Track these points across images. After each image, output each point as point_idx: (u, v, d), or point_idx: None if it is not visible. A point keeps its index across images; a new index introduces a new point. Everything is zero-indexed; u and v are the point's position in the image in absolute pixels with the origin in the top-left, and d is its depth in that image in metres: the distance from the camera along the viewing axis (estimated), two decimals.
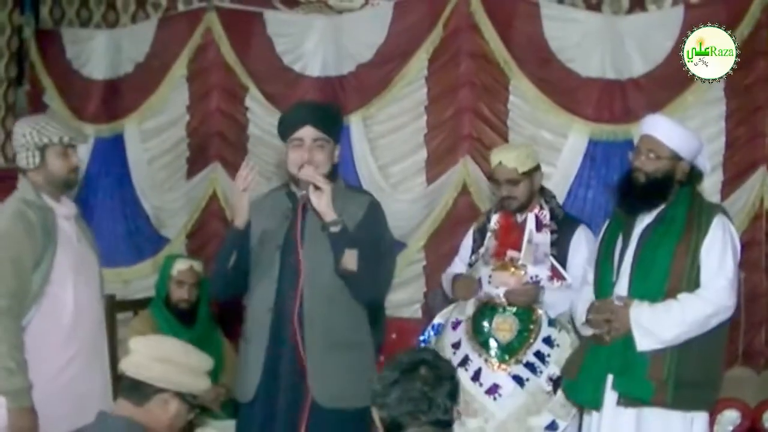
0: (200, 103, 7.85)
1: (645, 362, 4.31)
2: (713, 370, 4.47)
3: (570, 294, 4.92)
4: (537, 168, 5.19)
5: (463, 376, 4.78)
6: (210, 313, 6.40)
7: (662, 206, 4.50)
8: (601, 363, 4.44)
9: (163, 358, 3.38)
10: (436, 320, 5.27)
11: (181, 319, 6.11)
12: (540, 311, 4.96)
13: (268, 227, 4.46)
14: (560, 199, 6.45)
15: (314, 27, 7.42)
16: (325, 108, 4.63)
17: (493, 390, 4.81)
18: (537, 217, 5.14)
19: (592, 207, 6.72)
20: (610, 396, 4.40)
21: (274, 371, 4.39)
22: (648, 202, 4.51)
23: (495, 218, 5.21)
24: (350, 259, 4.30)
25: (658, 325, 4.28)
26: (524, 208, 5.12)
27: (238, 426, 4.73)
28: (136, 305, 6.66)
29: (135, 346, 3.54)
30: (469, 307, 5.04)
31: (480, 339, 4.93)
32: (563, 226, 5.13)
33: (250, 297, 4.58)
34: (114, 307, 6.50)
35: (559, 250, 5.06)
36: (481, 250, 5.14)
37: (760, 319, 6.28)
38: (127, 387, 3.50)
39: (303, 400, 4.31)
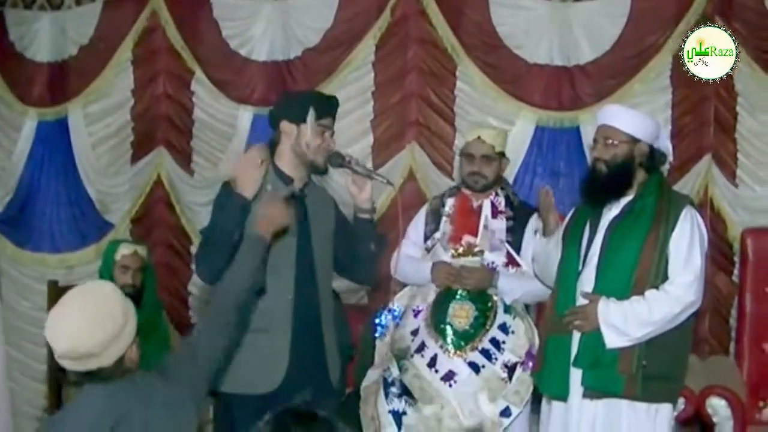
0: (146, 87, 7.59)
1: (615, 357, 4.21)
2: (680, 363, 4.39)
3: (526, 280, 4.84)
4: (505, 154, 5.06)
5: (420, 362, 4.70)
6: (155, 299, 6.18)
7: (630, 197, 4.36)
8: (565, 355, 4.33)
9: (108, 341, 3.07)
10: (395, 305, 5.07)
11: None
12: (495, 298, 4.82)
13: None
14: None
15: (261, 11, 7.19)
16: (338, 104, 4.47)
17: (448, 377, 4.67)
18: (493, 203, 5.00)
19: (538, 193, 6.49)
20: (575, 388, 4.29)
21: (299, 360, 4.20)
22: (613, 191, 4.38)
23: (450, 202, 5.02)
24: (373, 244, 4.33)
25: (627, 324, 4.17)
26: (487, 189, 4.96)
27: (248, 417, 4.35)
28: None
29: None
30: (431, 294, 4.86)
31: (437, 326, 4.76)
32: (518, 213, 5.01)
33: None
34: (57, 292, 6.21)
35: (515, 237, 4.93)
36: (437, 235, 4.95)
37: (705, 307, 6.13)
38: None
39: (327, 387, 4.28)
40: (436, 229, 4.98)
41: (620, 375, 4.19)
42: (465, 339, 4.73)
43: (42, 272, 7.58)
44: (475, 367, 4.69)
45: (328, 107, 4.28)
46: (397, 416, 4.71)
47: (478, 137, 4.94)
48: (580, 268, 4.38)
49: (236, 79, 7.19)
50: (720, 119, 6.29)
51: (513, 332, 4.80)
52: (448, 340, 4.73)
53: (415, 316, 4.88)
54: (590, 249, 4.38)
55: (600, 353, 4.24)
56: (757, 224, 6.06)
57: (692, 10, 6.24)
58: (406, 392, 4.71)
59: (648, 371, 4.18)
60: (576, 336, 4.31)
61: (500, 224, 4.93)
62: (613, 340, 4.20)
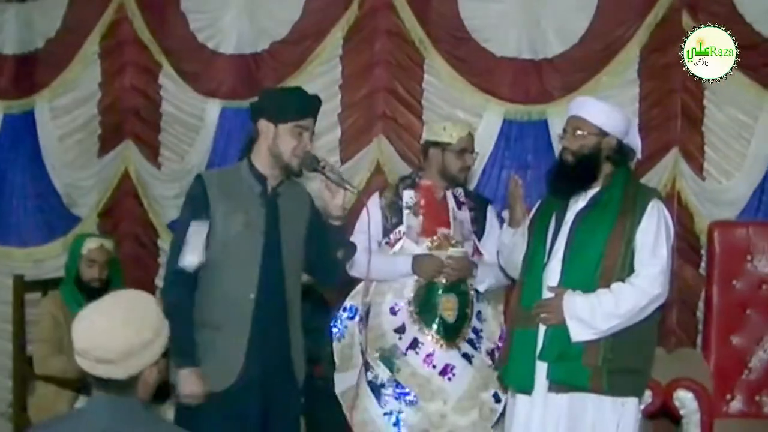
0: (113, 80, 7.46)
1: (580, 350, 4.17)
2: (646, 356, 4.37)
3: (494, 269, 4.87)
4: None
5: (415, 359, 4.67)
6: None
7: (597, 189, 4.33)
8: (531, 348, 4.29)
9: (128, 352, 2.87)
10: (348, 302, 4.99)
11: (91, 298, 5.69)
12: (471, 287, 4.84)
13: (244, 210, 4.13)
14: (475, 178, 6.40)
15: (229, 3, 7.07)
16: (320, 102, 4.36)
17: (446, 371, 4.69)
18: (454, 194, 5.00)
19: (506, 186, 6.33)
20: (541, 381, 4.26)
21: (258, 358, 4.11)
22: (578, 182, 4.36)
23: (409, 195, 4.94)
24: (342, 252, 4.25)
25: (593, 317, 4.13)
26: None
27: (204, 412, 4.20)
28: (46, 285, 6.26)
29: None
30: (408, 290, 4.79)
31: (428, 321, 4.73)
32: (477, 203, 5.06)
33: (217, 283, 4.13)
34: (22, 287, 6.17)
35: (477, 227, 4.98)
36: (401, 228, 4.86)
37: (672, 300, 6.11)
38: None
39: (291, 386, 4.24)
40: (399, 222, 4.89)
41: (586, 368, 4.15)
42: (456, 331, 4.75)
43: (9, 266, 7.41)
44: (467, 358, 4.74)
45: (308, 107, 4.19)
46: (392, 417, 4.67)
47: (468, 133, 4.96)
48: (545, 260, 4.34)
49: (204, 72, 7.09)
50: (687, 112, 6.24)
51: (485, 320, 4.87)
52: (442, 334, 4.71)
53: (394, 313, 4.79)
54: (556, 241, 4.34)
55: (566, 346, 4.20)
56: (724, 217, 6.05)
57: (660, 2, 6.20)
58: (403, 393, 4.66)
59: (614, 364, 4.15)
60: (542, 329, 4.28)
61: (465, 215, 4.95)
62: (578, 333, 4.16)
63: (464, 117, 6.50)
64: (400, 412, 4.66)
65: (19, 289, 6.14)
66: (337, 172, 4.13)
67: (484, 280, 4.88)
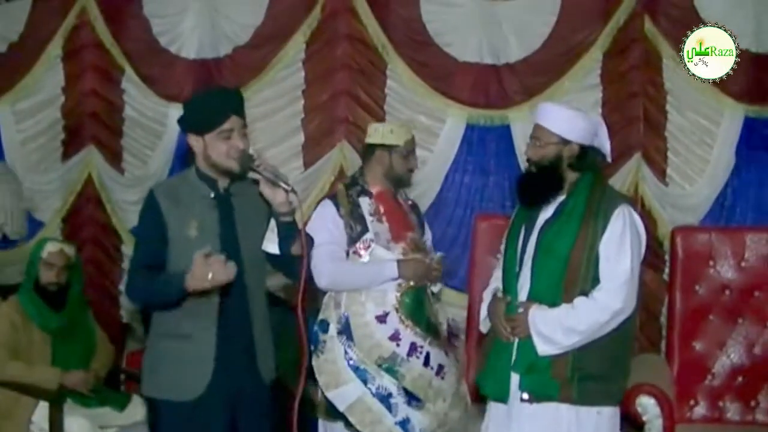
0: (75, 84, 7.30)
1: (548, 362, 4.04)
2: (618, 364, 4.17)
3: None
4: None
5: (416, 363, 4.56)
6: (81, 298, 5.87)
7: (563, 197, 4.14)
8: (506, 359, 4.16)
9: None
10: (321, 317, 4.76)
11: (50, 303, 5.60)
12: (429, 289, 4.78)
13: (195, 217, 3.95)
14: (437, 183, 6.35)
15: (191, 8, 6.91)
16: (239, 94, 4.08)
17: (440, 370, 4.63)
18: (402, 199, 4.93)
19: (468, 191, 6.43)
20: (515, 391, 4.12)
21: (226, 365, 3.96)
22: (541, 192, 4.17)
23: (366, 201, 4.75)
24: (297, 246, 3.92)
25: (555, 333, 3.99)
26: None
27: (175, 423, 4.05)
28: (4, 290, 6.06)
29: None
30: (390, 297, 4.62)
31: (421, 324, 4.63)
32: (413, 206, 5.01)
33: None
34: None
35: (421, 229, 4.93)
36: (368, 236, 4.66)
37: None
38: None
39: (259, 387, 4.06)
40: (364, 230, 4.69)
41: (554, 380, 4.04)
42: (437, 330, 4.72)
43: None
44: (448, 355, 4.71)
45: (226, 109, 3.90)
46: (405, 425, 4.56)
47: (412, 135, 4.85)
48: (517, 269, 4.20)
49: (165, 77, 6.93)
50: (649, 117, 6.13)
51: (438, 317, 4.84)
52: (433, 335, 4.66)
53: (383, 321, 4.61)
54: (525, 250, 4.19)
55: (535, 359, 4.06)
56: (687, 222, 5.94)
57: (621, 7, 6.09)
58: (412, 396, 4.56)
59: (583, 373, 4.03)
60: (516, 341, 4.14)
61: (415, 218, 4.91)
62: (543, 348, 4.03)
63: (426, 122, 6.42)
64: (408, 418, 4.56)
65: None
66: (272, 169, 3.83)
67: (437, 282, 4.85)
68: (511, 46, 6.29)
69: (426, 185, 6.38)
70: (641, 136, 6.13)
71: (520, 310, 4.11)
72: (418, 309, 4.63)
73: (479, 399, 4.64)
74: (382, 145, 4.75)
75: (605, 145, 4.24)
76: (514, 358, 4.14)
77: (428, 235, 4.98)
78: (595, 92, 6.19)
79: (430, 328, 4.65)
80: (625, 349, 4.24)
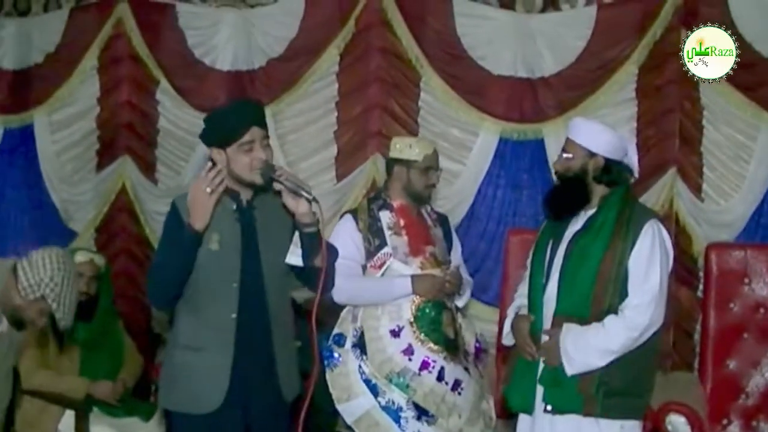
0: (110, 95, 7.34)
1: (575, 378, 4.05)
2: (642, 378, 4.18)
3: (469, 283, 4.89)
4: None
5: (428, 378, 4.49)
6: (111, 308, 5.89)
7: (593, 211, 4.17)
8: (532, 372, 4.20)
9: None
10: (336, 330, 4.74)
11: (79, 313, 5.54)
12: (450, 303, 4.72)
13: (216, 229, 3.92)
14: (470, 197, 6.31)
15: (225, 20, 6.93)
16: (260, 106, 4.09)
17: (456, 385, 4.54)
18: (427, 212, 4.86)
19: (501, 206, 6.37)
20: (540, 403, 4.15)
21: (242, 378, 3.94)
22: (566, 204, 4.22)
23: (387, 215, 4.72)
24: (321, 258, 3.90)
25: (589, 357, 4.01)
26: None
27: None
28: None
29: None
30: (405, 311, 4.58)
31: (435, 339, 4.56)
32: (439, 218, 4.93)
33: (198, 305, 3.97)
34: None
35: (447, 242, 4.86)
36: (386, 250, 4.63)
37: (669, 321, 5.91)
38: None
39: (275, 405, 4.00)
40: (382, 244, 4.66)
41: (579, 394, 4.04)
42: (456, 346, 4.63)
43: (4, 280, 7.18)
44: (468, 371, 4.63)
45: (245, 121, 3.89)
46: None
47: (434, 150, 4.76)
48: (544, 281, 4.21)
49: (200, 88, 6.94)
50: (685, 132, 6.04)
51: (462, 332, 4.77)
52: (449, 350, 4.58)
53: (396, 335, 4.58)
54: (553, 263, 4.20)
55: (560, 374, 4.08)
56: (722, 239, 5.85)
57: (657, 22, 6.00)
58: (422, 412, 4.48)
59: (608, 388, 4.02)
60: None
61: (439, 231, 4.83)
62: (572, 368, 4.04)
63: (459, 135, 6.38)
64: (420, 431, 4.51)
65: None
66: (293, 179, 3.83)
67: (463, 295, 4.82)
68: (546, 60, 6.24)
69: (458, 199, 6.33)
70: (676, 151, 6.04)
71: (546, 337, 4.13)
72: (433, 323, 4.58)
73: (508, 414, 4.63)
74: (401, 160, 4.71)
75: (633, 161, 4.25)
76: (540, 371, 4.16)
77: (457, 248, 4.93)
78: (630, 107, 6.11)
79: (446, 343, 4.57)
80: (649, 363, 4.23)
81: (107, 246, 7.19)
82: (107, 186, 7.32)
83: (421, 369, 4.50)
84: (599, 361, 3.99)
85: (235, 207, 3.96)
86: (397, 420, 4.47)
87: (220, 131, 3.90)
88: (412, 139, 5.01)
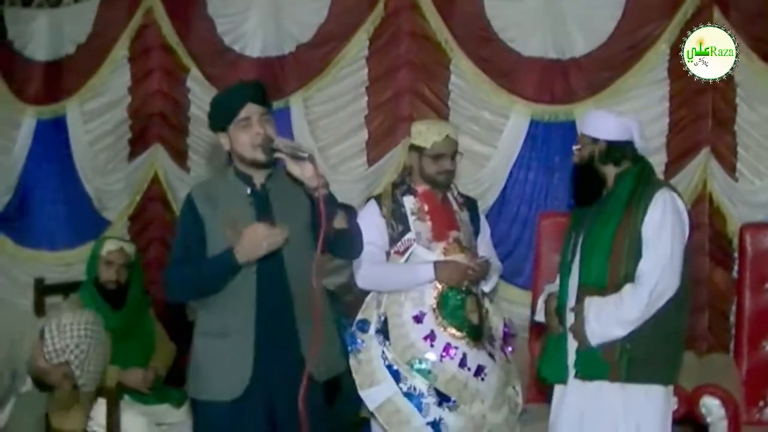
0: (141, 84, 7.37)
1: (599, 347, 4.20)
2: (668, 345, 4.23)
3: (496, 268, 4.83)
4: None
5: (450, 364, 4.45)
6: (142, 297, 5.89)
7: (609, 190, 4.36)
8: (561, 344, 4.36)
9: None
10: (360, 316, 4.70)
11: (110, 301, 5.61)
12: (477, 288, 4.67)
13: (231, 215, 3.92)
14: (501, 181, 6.27)
15: (254, 7, 6.93)
16: (257, 84, 4.09)
17: (479, 371, 4.49)
18: (453, 196, 4.78)
19: (533, 188, 6.32)
20: (571, 370, 4.30)
21: (267, 362, 3.91)
22: (583, 188, 4.46)
23: (411, 201, 4.67)
24: (341, 219, 3.85)
25: (606, 326, 4.15)
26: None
27: (215, 424, 4.03)
28: (66, 288, 6.08)
29: None
30: (428, 297, 4.53)
31: (458, 325, 4.51)
32: (468, 202, 4.86)
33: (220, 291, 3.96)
34: (43, 290, 6.05)
35: (474, 226, 4.80)
36: (409, 235, 4.59)
37: (703, 304, 5.89)
38: None
39: (300, 384, 3.79)
40: (406, 230, 4.62)
41: (605, 362, 4.17)
42: (480, 331, 4.57)
43: (40, 270, 7.27)
44: (492, 357, 4.58)
45: (240, 97, 3.89)
46: (437, 426, 4.45)
47: (447, 136, 4.64)
48: (570, 258, 4.37)
49: (230, 75, 6.85)
50: (718, 112, 5.96)
51: (491, 317, 4.74)
52: (472, 336, 4.53)
53: (419, 321, 4.53)
54: (578, 242, 4.36)
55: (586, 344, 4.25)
56: (757, 219, 5.75)
57: (689, 1, 5.92)
58: (444, 398, 4.44)
59: (632, 355, 4.14)
60: (569, 322, 4.33)
61: (466, 216, 4.76)
62: (594, 340, 4.20)
63: (490, 118, 6.33)
64: (441, 418, 4.44)
65: (39, 292, 6.03)
66: (289, 145, 3.78)
67: (489, 281, 4.77)
68: (576, 40, 6.17)
69: (489, 182, 6.30)
70: (709, 131, 5.96)
71: (572, 315, 4.28)
72: (456, 309, 4.53)
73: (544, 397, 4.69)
74: (414, 146, 4.68)
75: (638, 140, 4.37)
76: (569, 342, 4.31)
77: (485, 233, 4.87)
78: (662, 87, 6.04)
79: (469, 329, 4.52)
80: (675, 330, 4.27)
81: (140, 234, 7.23)
82: (140, 175, 7.35)
83: (443, 355, 4.46)
84: (620, 331, 4.12)
85: (249, 191, 3.94)
86: (419, 406, 4.43)
87: (219, 113, 3.93)
88: (428, 123, 4.86)
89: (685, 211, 4.24)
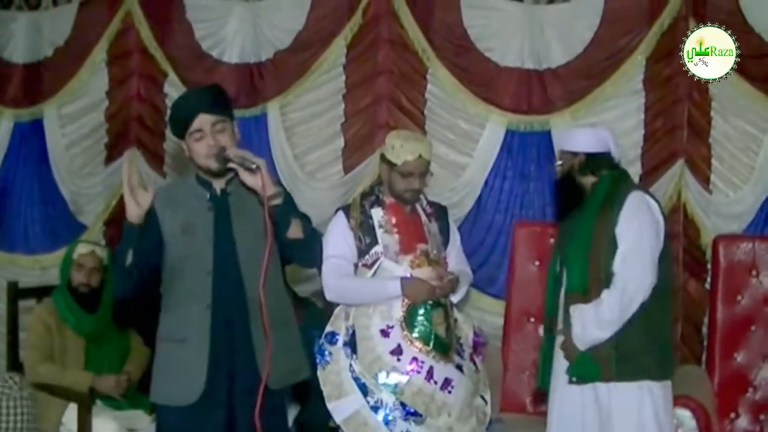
0: (119, 89, 7.32)
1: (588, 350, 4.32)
2: (654, 341, 4.32)
3: (465, 278, 4.78)
4: None
5: (417, 378, 4.42)
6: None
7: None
8: (550, 351, 4.57)
9: None
10: (328, 328, 4.66)
11: (83, 304, 5.59)
12: (446, 299, 4.63)
13: (188, 219, 3.94)
14: (476, 189, 6.25)
15: (233, 12, 6.89)
16: (210, 91, 4.03)
17: (446, 384, 4.46)
18: (422, 207, 4.74)
19: (508, 197, 6.29)
20: (564, 376, 4.43)
21: (222, 368, 3.92)
22: (564, 200, 4.64)
23: (379, 213, 4.62)
24: (296, 228, 3.88)
25: (590, 330, 4.28)
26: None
27: (173, 428, 4.07)
28: (40, 292, 6.05)
29: None
30: (396, 310, 4.50)
31: (423, 338, 4.48)
32: (437, 211, 4.80)
33: (174, 296, 3.99)
34: (16, 294, 5.99)
35: (443, 236, 4.75)
36: (377, 248, 4.55)
37: (676, 315, 5.85)
38: None
39: (256, 391, 3.80)
40: (373, 242, 4.58)
41: (595, 363, 4.28)
42: (447, 344, 4.53)
43: (16, 273, 7.24)
44: (460, 369, 4.54)
45: (193, 109, 3.86)
46: None
47: (420, 155, 4.53)
48: (558, 268, 4.50)
49: (208, 81, 6.77)
50: (693, 123, 5.96)
51: (460, 327, 4.73)
52: (438, 349, 4.49)
53: (386, 335, 4.51)
54: (563, 251, 4.49)
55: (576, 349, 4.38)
56: (731, 230, 5.78)
57: (666, 12, 5.93)
58: (410, 412, 4.41)
59: (620, 352, 4.25)
60: (560, 336, 4.46)
61: (435, 226, 4.72)
62: (584, 345, 4.32)
63: (466, 127, 6.33)
64: (408, 431, 4.43)
65: (13, 296, 5.97)
66: (239, 155, 3.76)
67: (458, 291, 4.72)
68: (554, 50, 6.17)
69: (465, 191, 6.29)
70: (685, 142, 5.97)
71: (561, 337, 4.43)
72: (419, 324, 4.50)
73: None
74: (385, 159, 4.61)
75: (614, 150, 4.54)
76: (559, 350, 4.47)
77: (455, 241, 4.81)
78: (638, 98, 6.04)
79: (436, 342, 4.48)
80: (658, 326, 4.36)
81: (116, 239, 7.00)
82: (116, 179, 7.21)
83: (409, 369, 4.43)
84: (601, 333, 4.23)
85: (208, 196, 3.95)
86: (385, 420, 4.41)
87: (174, 123, 3.96)
88: (403, 139, 4.64)
89: (660, 213, 4.34)
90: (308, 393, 5.10)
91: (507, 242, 6.03)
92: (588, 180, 4.46)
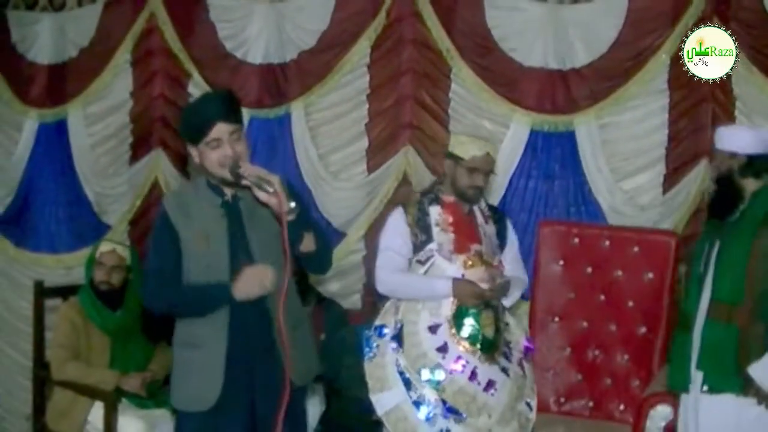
0: (144, 89, 7.33)
1: (733, 359, 4.22)
2: None
3: (519, 283, 4.84)
4: None
5: (460, 377, 4.48)
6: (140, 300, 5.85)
7: (745, 206, 4.39)
8: (688, 352, 4.41)
9: None
10: (378, 322, 4.72)
11: (107, 303, 5.63)
12: (497, 302, 4.68)
13: (204, 227, 3.91)
14: (500, 189, 6.24)
15: (257, 13, 6.90)
16: (226, 97, 3.94)
17: (489, 386, 4.52)
18: (480, 208, 4.82)
19: (532, 197, 6.30)
20: (697, 383, 4.35)
21: (240, 372, 3.91)
22: (719, 201, 4.48)
23: (437, 211, 4.70)
24: (309, 242, 3.87)
25: None
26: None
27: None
28: (65, 291, 6.07)
29: None
30: (445, 308, 4.56)
31: (470, 338, 4.54)
32: (496, 215, 4.89)
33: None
34: (42, 293, 6.03)
35: (500, 240, 4.83)
36: (432, 246, 4.62)
37: None
38: None
39: (282, 390, 3.80)
40: (428, 239, 4.65)
41: (738, 377, 4.18)
42: (494, 346, 4.59)
43: (40, 272, 7.27)
44: (505, 372, 4.60)
45: (212, 116, 3.79)
46: None
47: (488, 153, 4.67)
48: (702, 271, 4.42)
49: (232, 82, 6.86)
50: (717, 123, 5.85)
51: (512, 331, 4.77)
52: (484, 350, 4.54)
53: (433, 332, 4.56)
54: (711, 255, 4.40)
55: (721, 356, 4.26)
56: None
57: (689, 11, 5.91)
58: (450, 410, 4.45)
59: None
60: (696, 335, 4.38)
61: (491, 229, 4.79)
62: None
63: (490, 127, 6.32)
64: (448, 429, 4.46)
65: (39, 295, 6.01)
66: (255, 172, 3.71)
67: (510, 296, 4.78)
68: (577, 50, 6.17)
69: (489, 191, 6.24)
70: (709, 141, 5.84)
71: (700, 323, 4.34)
72: (467, 324, 4.54)
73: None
74: (452, 155, 4.69)
75: None
76: (697, 353, 4.34)
77: (512, 246, 4.90)
78: (662, 97, 6.03)
79: (483, 343, 4.53)
80: None
81: (141, 239, 7.12)
82: (140, 179, 7.30)
83: (453, 368, 4.47)
84: None
85: (220, 202, 3.92)
86: (426, 416, 4.44)
87: (188, 129, 3.88)
88: (471, 136, 4.85)
89: None
90: (336, 391, 5.11)
91: (531, 242, 6.02)
92: (749, 184, 4.36)
